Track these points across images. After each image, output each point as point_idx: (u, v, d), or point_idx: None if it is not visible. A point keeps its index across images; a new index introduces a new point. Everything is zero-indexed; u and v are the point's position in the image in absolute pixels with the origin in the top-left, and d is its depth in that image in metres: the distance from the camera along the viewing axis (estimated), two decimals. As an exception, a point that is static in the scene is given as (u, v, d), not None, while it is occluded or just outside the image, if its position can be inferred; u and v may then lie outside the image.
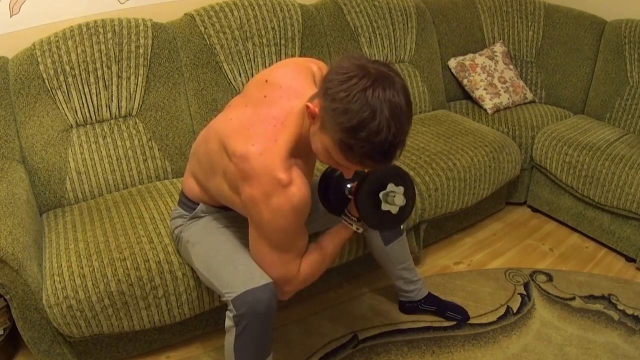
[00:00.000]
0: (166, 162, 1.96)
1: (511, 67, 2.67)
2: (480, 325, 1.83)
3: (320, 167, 1.89)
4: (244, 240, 1.36)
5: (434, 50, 2.58)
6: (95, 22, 1.83)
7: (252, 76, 1.98)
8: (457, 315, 1.85)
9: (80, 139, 1.83)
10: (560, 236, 2.36)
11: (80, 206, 1.79)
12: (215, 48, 2.02)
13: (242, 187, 1.20)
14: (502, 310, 1.90)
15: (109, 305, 1.46)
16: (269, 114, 1.22)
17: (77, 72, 1.79)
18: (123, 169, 1.89)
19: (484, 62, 2.63)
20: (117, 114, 1.89)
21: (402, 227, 1.72)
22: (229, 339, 1.27)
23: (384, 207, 1.29)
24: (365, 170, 1.40)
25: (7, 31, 1.81)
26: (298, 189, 1.17)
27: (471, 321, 1.85)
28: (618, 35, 2.41)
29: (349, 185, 1.39)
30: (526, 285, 2.03)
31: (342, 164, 1.11)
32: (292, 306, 1.91)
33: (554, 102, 2.70)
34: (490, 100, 2.56)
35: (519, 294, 1.98)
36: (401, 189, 1.30)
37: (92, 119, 1.85)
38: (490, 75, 2.61)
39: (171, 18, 2.06)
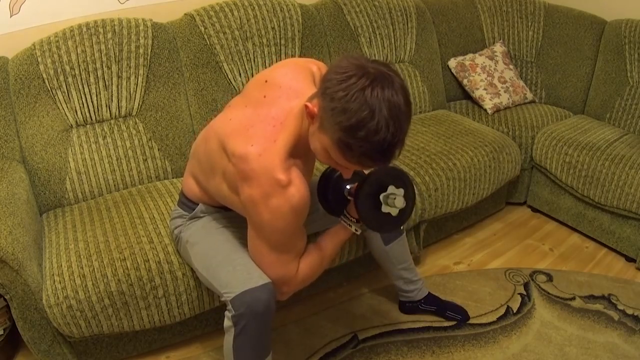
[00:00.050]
0: (166, 162, 1.96)
1: (511, 67, 2.67)
2: (480, 325, 1.83)
3: (320, 167, 1.89)
4: (243, 240, 1.36)
5: (434, 50, 2.58)
6: (95, 22, 1.84)
7: (252, 76, 1.98)
8: (457, 315, 1.85)
9: (80, 139, 1.83)
10: (560, 236, 2.36)
11: (80, 206, 1.79)
12: (215, 48, 2.02)
13: (241, 188, 1.20)
14: (502, 310, 1.90)
15: (109, 305, 1.47)
16: (269, 114, 1.22)
17: (77, 72, 1.79)
18: (123, 169, 1.89)
19: (484, 62, 2.63)
20: (117, 114, 1.89)
21: (402, 227, 1.72)
22: (228, 339, 1.27)
23: (384, 209, 1.29)
24: (365, 171, 1.41)
25: (7, 31, 1.81)
26: (297, 189, 1.17)
27: (471, 321, 1.85)
28: (618, 35, 2.41)
29: (348, 187, 1.39)
30: (526, 285, 2.03)
31: (341, 164, 1.11)
32: (291, 306, 1.91)
33: (554, 102, 2.69)
34: (490, 100, 2.56)
35: (519, 294, 1.98)
36: (401, 191, 1.30)
37: (92, 119, 1.85)
38: (490, 75, 2.61)
39: (171, 18, 2.06)
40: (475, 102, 2.65)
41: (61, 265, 1.48)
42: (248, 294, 1.23)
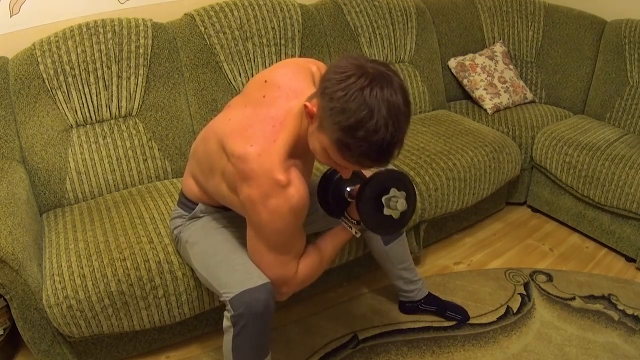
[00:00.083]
0: (166, 162, 1.96)
1: (511, 67, 2.67)
2: (480, 325, 1.83)
3: (320, 168, 1.89)
4: (242, 240, 1.36)
5: (434, 50, 2.58)
6: (95, 22, 1.84)
7: (252, 76, 1.98)
8: (457, 315, 1.85)
9: (80, 139, 1.83)
10: (560, 236, 2.36)
11: (80, 206, 1.79)
12: (215, 48, 2.02)
13: (240, 188, 1.20)
14: (502, 310, 1.90)
15: (109, 305, 1.47)
16: (268, 114, 1.22)
17: (77, 72, 1.80)
18: (123, 169, 1.89)
19: (484, 62, 2.63)
20: (117, 114, 1.89)
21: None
22: (227, 339, 1.27)
23: (386, 211, 1.29)
24: (364, 171, 1.41)
25: (7, 31, 1.81)
26: (296, 190, 1.17)
27: (471, 321, 1.85)
28: (618, 35, 2.41)
29: (348, 189, 1.39)
30: (526, 285, 2.03)
31: (340, 164, 1.11)
32: (291, 306, 1.91)
33: (554, 102, 2.69)
34: (490, 100, 2.56)
35: (519, 294, 1.98)
36: (403, 193, 1.30)
37: (92, 119, 1.85)
38: (490, 75, 2.61)
39: (171, 18, 2.06)
40: (475, 102, 2.65)
41: (61, 265, 1.48)
42: (247, 294, 1.23)
